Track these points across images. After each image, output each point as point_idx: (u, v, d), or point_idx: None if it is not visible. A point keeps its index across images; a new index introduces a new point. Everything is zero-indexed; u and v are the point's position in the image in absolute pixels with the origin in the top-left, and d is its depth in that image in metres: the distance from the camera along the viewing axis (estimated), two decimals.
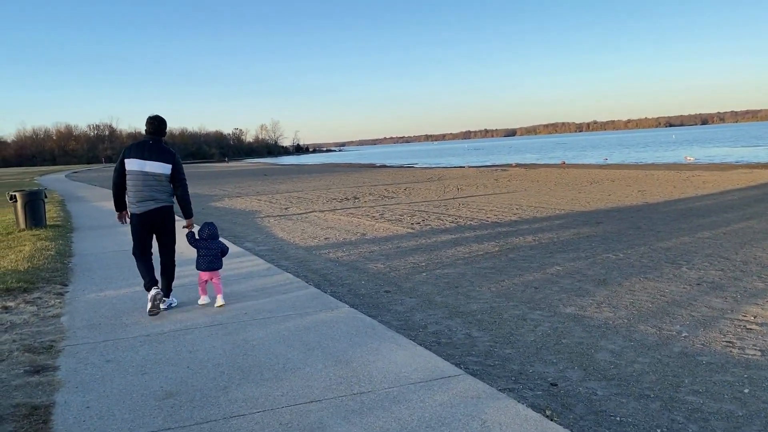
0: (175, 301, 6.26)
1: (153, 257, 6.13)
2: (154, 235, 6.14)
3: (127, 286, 7.23)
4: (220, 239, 6.36)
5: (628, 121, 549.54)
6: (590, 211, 14.74)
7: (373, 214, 15.34)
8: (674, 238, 10.22)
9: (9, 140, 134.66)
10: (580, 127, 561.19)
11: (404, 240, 10.97)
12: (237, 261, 8.61)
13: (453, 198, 19.80)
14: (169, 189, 6.01)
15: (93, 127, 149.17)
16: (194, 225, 6.29)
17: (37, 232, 11.88)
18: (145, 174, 5.88)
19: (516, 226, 12.43)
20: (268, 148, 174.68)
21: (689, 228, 11.31)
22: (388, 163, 68.96)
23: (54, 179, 49.42)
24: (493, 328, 5.64)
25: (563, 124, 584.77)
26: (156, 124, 6.06)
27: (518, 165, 48.03)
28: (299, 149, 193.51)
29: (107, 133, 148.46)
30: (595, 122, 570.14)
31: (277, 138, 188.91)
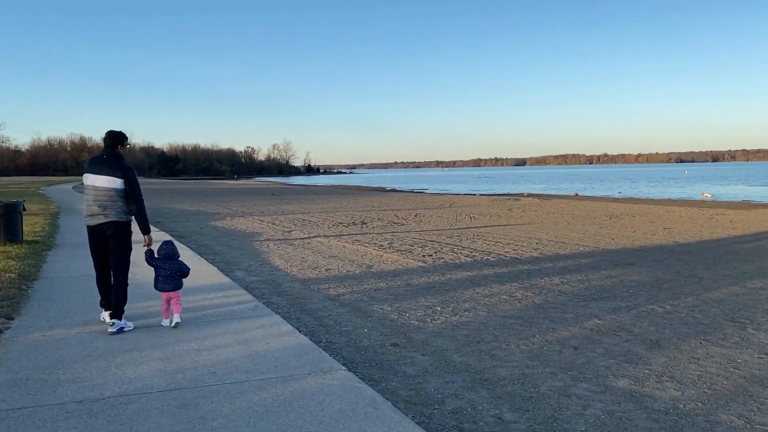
0: (131, 325, 5.86)
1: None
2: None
3: (82, 324, 6.03)
4: (181, 259, 6.15)
5: (639, 155, 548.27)
6: (617, 249, 13.46)
7: (381, 243, 14.12)
8: (723, 288, 8.93)
9: (24, 149, 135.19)
10: (590, 160, 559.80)
11: (415, 275, 9.73)
12: (221, 295, 7.40)
13: (466, 228, 18.57)
14: (122, 204, 5.83)
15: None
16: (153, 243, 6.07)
17: (9, 249, 10.74)
18: (96, 188, 5.80)
19: (538, 263, 11.17)
20: (279, 168, 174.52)
21: (736, 275, 10.01)
22: (398, 187, 67.96)
23: (60, 190, 48.59)
24: (530, 408, 4.38)
25: (573, 155, 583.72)
26: (110, 137, 5.96)
27: (530, 195, 46.85)
28: (310, 170, 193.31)
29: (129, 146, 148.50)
30: (606, 155, 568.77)
31: (289, 158, 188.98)
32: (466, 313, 7.17)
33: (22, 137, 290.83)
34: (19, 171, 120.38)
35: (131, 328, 5.81)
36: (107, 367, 4.71)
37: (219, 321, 6.16)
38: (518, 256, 12.02)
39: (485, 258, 11.73)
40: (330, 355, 5.34)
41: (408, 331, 6.36)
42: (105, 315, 5.96)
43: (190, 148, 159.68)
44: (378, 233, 16.67)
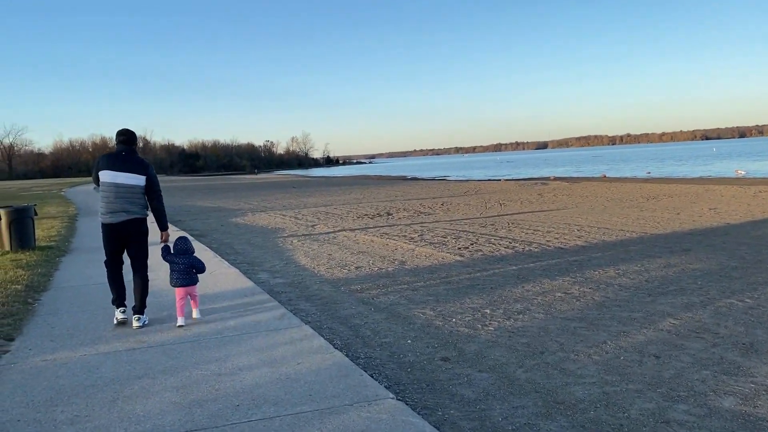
0: (146, 320, 5.91)
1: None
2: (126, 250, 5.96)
3: (89, 342, 5.34)
4: (195, 255, 6.10)
5: (663, 134, 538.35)
6: (666, 233, 12.48)
7: (411, 235, 13.30)
8: None
9: (47, 152, 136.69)
10: (613, 140, 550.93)
11: (453, 271, 8.90)
12: (244, 302, 6.67)
13: (498, 215, 17.66)
14: (143, 201, 5.88)
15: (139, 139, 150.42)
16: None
17: (21, 256, 10.15)
18: (117, 186, 5.73)
19: (585, 253, 10.26)
20: (299, 160, 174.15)
21: None
22: (419, 175, 66.97)
23: (81, 191, 48.54)
24: None
25: (596, 136, 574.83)
26: (128, 135, 5.95)
27: (557, 178, 45.55)
28: (329, 161, 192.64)
29: (141, 145, 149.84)
30: (629, 135, 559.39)
31: (308, 150, 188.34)
32: (521, 315, 6.34)
33: (44, 140, 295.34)
34: (43, 173, 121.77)
35: (147, 323, 5.89)
36: (113, 401, 3.99)
37: (242, 335, 5.42)
38: (562, 246, 11.12)
39: (527, 249, 10.86)
40: (372, 375, 4.56)
41: (458, 340, 5.55)
42: (118, 313, 5.92)
43: (209, 145, 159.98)
44: (406, 224, 15.85)
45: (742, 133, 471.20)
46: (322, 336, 5.43)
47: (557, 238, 12.08)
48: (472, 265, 9.32)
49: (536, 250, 10.72)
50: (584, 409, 4.01)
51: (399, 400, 3.94)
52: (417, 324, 6.10)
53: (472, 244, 11.55)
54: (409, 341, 5.55)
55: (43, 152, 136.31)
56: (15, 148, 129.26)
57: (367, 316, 6.44)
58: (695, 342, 5.32)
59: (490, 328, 5.88)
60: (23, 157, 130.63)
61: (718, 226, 13.50)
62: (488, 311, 6.52)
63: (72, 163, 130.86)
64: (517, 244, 11.40)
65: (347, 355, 5.02)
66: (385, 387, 4.31)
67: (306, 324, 5.79)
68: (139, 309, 5.86)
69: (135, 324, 5.77)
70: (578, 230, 13.34)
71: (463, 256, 10.20)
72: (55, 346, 5.31)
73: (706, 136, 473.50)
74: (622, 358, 4.98)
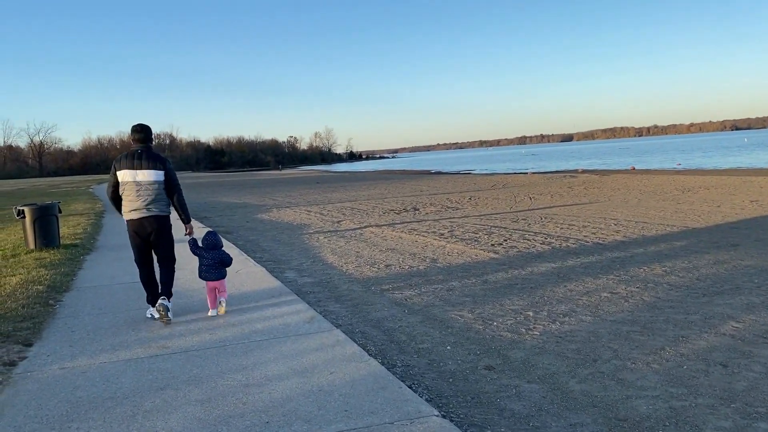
0: (171, 304, 5.91)
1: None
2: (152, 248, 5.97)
3: (110, 348, 5.05)
4: (223, 249, 6.16)
5: (691, 124, 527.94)
6: (708, 227, 11.87)
7: (441, 231, 12.88)
8: None
9: (75, 149, 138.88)
10: (639, 132, 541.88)
11: (489, 270, 8.48)
12: (271, 303, 6.34)
13: (529, 209, 17.14)
14: (164, 197, 5.85)
15: (155, 137, 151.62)
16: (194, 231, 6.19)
17: (45, 255, 9.99)
18: (138, 183, 5.72)
19: (626, 249, 9.75)
20: (322, 156, 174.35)
21: None
22: (443, 169, 66.33)
23: None
24: None
25: (622, 128, 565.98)
26: (144, 132, 5.89)
27: (585, 171, 44.64)
28: (352, 156, 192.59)
29: (168, 141, 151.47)
30: (656, 126, 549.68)
31: (331, 145, 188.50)
32: (566, 318, 5.90)
33: (73, 138, 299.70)
34: (72, 171, 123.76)
35: (171, 307, 5.87)
36: (132, 417, 3.68)
37: (270, 340, 5.09)
38: (600, 241, 10.61)
39: (564, 245, 10.37)
40: (411, 386, 4.19)
41: (501, 346, 5.14)
42: (152, 311, 5.91)
43: (234, 141, 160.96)
44: (434, 220, 15.43)
45: None
46: (355, 341, 5.07)
47: (594, 233, 11.56)
48: (508, 263, 8.88)
49: (574, 246, 10.23)
50: (651, 428, 3.59)
51: (444, 417, 3.56)
52: (455, 328, 5.71)
53: (506, 240, 11.10)
54: (448, 347, 5.15)
55: (72, 150, 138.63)
56: (45, 146, 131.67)
57: (401, 319, 6.06)
58: (765, 348, 4.84)
59: (536, 333, 5.45)
60: (53, 154, 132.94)
61: (764, 219, 12.84)
62: (531, 313, 6.09)
63: (100, 161, 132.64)
64: (553, 240, 10.91)
65: (383, 363, 4.66)
66: (427, 400, 3.94)
67: (337, 328, 5.43)
68: (166, 292, 5.90)
69: (160, 301, 5.80)
70: (615, 224, 12.79)
71: (497, 253, 9.76)
72: (74, 352, 5.03)
73: (736, 126, 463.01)
74: (685, 367, 4.52)
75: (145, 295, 6.05)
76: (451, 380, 4.44)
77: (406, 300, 6.86)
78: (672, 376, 4.36)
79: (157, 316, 5.82)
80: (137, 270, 6.05)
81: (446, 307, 6.48)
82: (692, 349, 4.89)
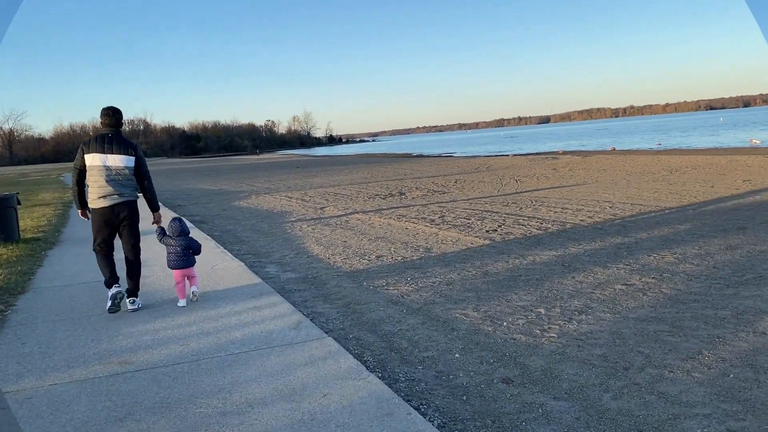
0: (139, 303, 5.79)
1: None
2: (117, 233, 5.77)
3: (64, 365, 4.32)
4: (191, 236, 5.98)
5: (666, 105, 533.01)
6: (709, 210, 11.39)
7: (431, 217, 12.24)
8: None
9: (47, 137, 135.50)
10: (616, 113, 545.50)
11: (487, 259, 7.86)
12: (251, 305, 5.64)
13: (516, 192, 16.57)
14: (133, 183, 5.68)
15: (128, 122, 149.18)
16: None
17: (2, 251, 9.14)
18: (108, 168, 5.53)
19: (629, 233, 9.20)
20: (301, 140, 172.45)
21: None
22: (425, 152, 65.65)
23: None
24: None
25: (598, 109, 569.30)
26: (115, 115, 5.66)
27: (565, 152, 44.32)
28: (332, 140, 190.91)
29: (142, 128, 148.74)
30: (632, 107, 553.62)
31: (310, 129, 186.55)
32: (582, 316, 5.30)
33: (45, 125, 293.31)
34: (44, 158, 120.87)
35: (140, 306, 5.77)
36: None
37: (251, 353, 4.40)
38: (599, 226, 10.05)
39: (561, 230, 9.79)
40: (420, 408, 3.55)
41: (517, 353, 4.51)
42: (113, 290, 5.65)
43: (210, 126, 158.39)
44: (422, 205, 14.78)
45: (746, 102, 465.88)
46: (350, 351, 4.41)
47: (590, 217, 11.00)
48: (507, 251, 8.27)
49: (571, 230, 9.66)
50: None
51: None
52: (461, 330, 5.07)
53: (500, 226, 10.48)
54: (456, 355, 4.51)
55: (43, 137, 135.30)
56: (15, 133, 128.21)
57: (400, 321, 5.41)
58: None
59: (552, 335, 4.84)
60: (24, 142, 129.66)
61: (762, 199, 12.41)
62: (542, 311, 5.48)
63: (73, 148, 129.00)
64: (549, 225, 10.33)
65: (383, 378, 4.01)
66: (439, 427, 3.31)
67: (327, 334, 4.76)
68: (133, 291, 5.77)
69: (129, 306, 5.69)
70: (610, 207, 12.26)
71: (493, 240, 9.14)
72: (21, 370, 4.30)
73: (711, 106, 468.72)
74: (731, 375, 3.94)
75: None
76: (464, 398, 3.80)
77: (402, 297, 6.21)
78: (720, 387, 3.78)
79: (114, 292, 5.62)
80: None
81: (448, 304, 5.83)
82: (734, 353, 4.31)
